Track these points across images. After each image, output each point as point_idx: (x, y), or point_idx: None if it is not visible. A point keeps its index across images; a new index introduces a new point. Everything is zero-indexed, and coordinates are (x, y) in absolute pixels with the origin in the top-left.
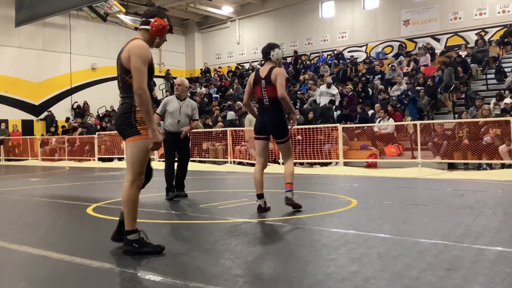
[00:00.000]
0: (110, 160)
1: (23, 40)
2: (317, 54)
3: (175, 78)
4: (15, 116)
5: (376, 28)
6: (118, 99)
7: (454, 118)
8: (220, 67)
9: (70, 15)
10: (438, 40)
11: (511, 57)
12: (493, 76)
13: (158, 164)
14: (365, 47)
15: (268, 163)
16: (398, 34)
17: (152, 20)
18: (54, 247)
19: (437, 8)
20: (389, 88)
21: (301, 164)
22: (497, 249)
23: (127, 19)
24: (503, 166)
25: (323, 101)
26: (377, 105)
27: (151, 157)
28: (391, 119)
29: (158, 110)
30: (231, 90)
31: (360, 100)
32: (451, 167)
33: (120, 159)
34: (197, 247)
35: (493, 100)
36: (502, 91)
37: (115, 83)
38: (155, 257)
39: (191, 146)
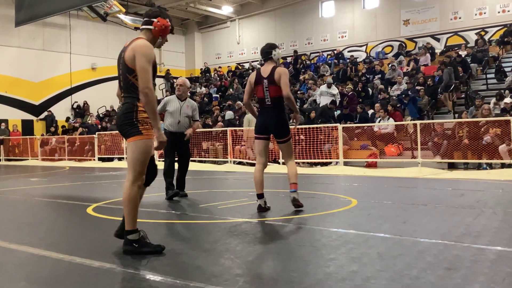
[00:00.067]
0: (110, 160)
1: (23, 40)
2: (317, 54)
3: (175, 78)
4: (15, 116)
5: (376, 28)
6: (118, 99)
7: (454, 118)
8: (220, 67)
9: (70, 15)
10: (438, 40)
11: (511, 57)
12: (493, 75)
13: (157, 164)
14: (365, 47)
15: (268, 163)
16: (398, 33)
17: (155, 20)
18: (54, 247)
19: (437, 8)
20: (389, 88)
21: (301, 163)
22: (497, 248)
23: (127, 19)
24: (503, 165)
25: (323, 101)
26: (377, 105)
27: None
28: (391, 118)
29: (157, 109)
30: (231, 90)
31: (360, 99)
32: (451, 166)
33: (120, 159)
34: (197, 247)
35: (493, 100)
36: (502, 91)
37: (115, 83)
38: (155, 257)
39: (191, 146)
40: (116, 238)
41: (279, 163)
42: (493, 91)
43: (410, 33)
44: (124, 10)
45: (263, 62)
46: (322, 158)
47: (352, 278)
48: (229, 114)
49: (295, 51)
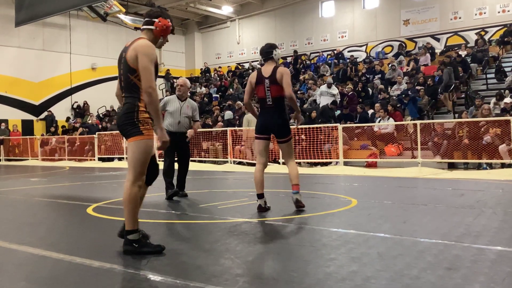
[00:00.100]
0: (111, 160)
1: (23, 40)
2: (317, 54)
3: (175, 78)
4: (15, 116)
5: (376, 28)
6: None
7: (454, 118)
8: (220, 67)
9: (70, 15)
10: (438, 40)
11: (511, 57)
12: (493, 75)
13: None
14: (365, 46)
15: (268, 163)
16: (398, 33)
17: (156, 20)
18: (54, 247)
19: (437, 8)
20: (389, 88)
21: (302, 163)
22: (497, 248)
23: (127, 19)
24: (503, 165)
25: (323, 101)
26: (377, 105)
27: None
28: (391, 118)
29: None
30: (231, 90)
31: (360, 99)
32: (451, 166)
33: (120, 159)
34: (197, 247)
35: (493, 100)
36: (502, 91)
37: (115, 83)
38: (155, 257)
39: (191, 146)
40: (119, 238)
41: (279, 163)
42: (493, 91)
43: (410, 33)
44: (124, 10)
45: (263, 62)
46: (322, 158)
47: (352, 278)
48: (228, 114)
49: (295, 51)
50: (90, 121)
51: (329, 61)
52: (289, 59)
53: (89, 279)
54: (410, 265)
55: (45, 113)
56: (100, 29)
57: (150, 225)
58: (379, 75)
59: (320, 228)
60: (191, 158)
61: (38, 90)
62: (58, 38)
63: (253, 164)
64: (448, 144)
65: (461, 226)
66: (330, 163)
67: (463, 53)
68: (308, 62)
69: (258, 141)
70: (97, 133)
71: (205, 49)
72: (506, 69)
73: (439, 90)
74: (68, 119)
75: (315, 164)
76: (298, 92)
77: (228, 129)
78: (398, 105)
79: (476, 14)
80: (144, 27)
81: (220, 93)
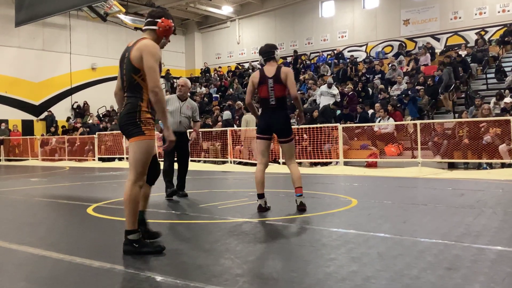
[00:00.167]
0: (111, 160)
1: (23, 40)
2: (317, 54)
3: (175, 78)
4: (15, 116)
5: (376, 28)
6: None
7: (454, 118)
8: (220, 67)
9: (70, 15)
10: (438, 40)
11: (511, 57)
12: (493, 75)
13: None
14: (365, 46)
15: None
16: (398, 33)
17: (159, 20)
18: (54, 247)
19: (437, 8)
20: (389, 88)
21: (302, 163)
22: (497, 248)
23: (127, 19)
24: (503, 165)
25: (323, 101)
26: (377, 105)
27: None
28: (391, 118)
29: None
30: (231, 90)
31: (360, 99)
32: (451, 166)
33: (120, 159)
34: (197, 247)
35: (493, 100)
36: (502, 91)
37: (115, 83)
38: (155, 257)
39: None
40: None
41: (279, 163)
42: (493, 91)
43: (410, 33)
44: (124, 10)
45: (263, 62)
46: (322, 158)
47: (352, 278)
48: (226, 114)
49: (295, 51)
50: (90, 121)
51: (329, 61)
52: (289, 59)
53: (89, 279)
54: (410, 265)
55: (45, 113)
56: (100, 29)
57: (150, 225)
58: (379, 75)
59: (320, 228)
60: (190, 158)
61: (38, 90)
62: (58, 38)
63: (251, 164)
64: (448, 144)
65: (461, 226)
66: (330, 163)
67: (463, 53)
68: (308, 62)
69: (259, 141)
70: (97, 133)
71: (205, 49)
72: (506, 69)
73: (439, 90)
74: (68, 119)
75: (315, 164)
76: (298, 92)
77: (228, 129)
78: (398, 105)
79: (476, 14)
80: (147, 27)
81: (220, 93)
